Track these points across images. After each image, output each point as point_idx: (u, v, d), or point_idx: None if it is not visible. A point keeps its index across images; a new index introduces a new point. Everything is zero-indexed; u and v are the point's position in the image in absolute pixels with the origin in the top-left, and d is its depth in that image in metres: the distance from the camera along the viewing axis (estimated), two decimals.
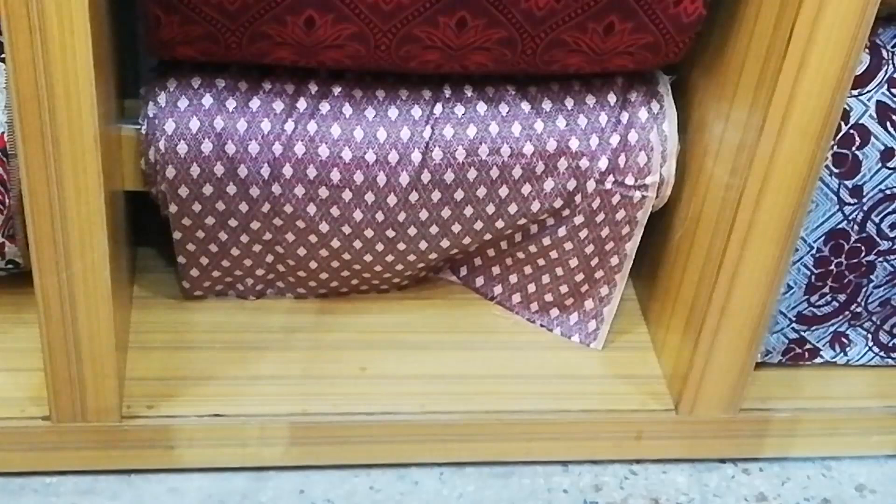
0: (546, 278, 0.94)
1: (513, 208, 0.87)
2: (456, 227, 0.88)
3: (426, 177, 0.84)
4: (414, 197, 0.85)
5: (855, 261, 0.87)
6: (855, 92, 0.80)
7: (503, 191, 0.86)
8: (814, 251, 0.86)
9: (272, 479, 0.87)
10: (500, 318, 0.97)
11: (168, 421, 0.84)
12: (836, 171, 0.82)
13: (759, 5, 0.75)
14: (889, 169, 0.82)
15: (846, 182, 0.83)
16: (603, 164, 0.85)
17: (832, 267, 0.87)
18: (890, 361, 0.95)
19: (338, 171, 0.83)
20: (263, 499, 0.86)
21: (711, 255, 0.83)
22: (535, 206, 0.87)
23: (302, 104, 0.83)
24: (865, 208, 0.84)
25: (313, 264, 0.90)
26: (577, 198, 0.87)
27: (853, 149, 0.81)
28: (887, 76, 0.80)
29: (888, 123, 0.81)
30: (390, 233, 0.87)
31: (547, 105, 0.85)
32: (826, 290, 0.88)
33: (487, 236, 0.90)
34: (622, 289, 0.93)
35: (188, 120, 0.81)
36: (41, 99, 0.67)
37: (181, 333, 0.91)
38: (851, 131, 0.81)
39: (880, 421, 0.93)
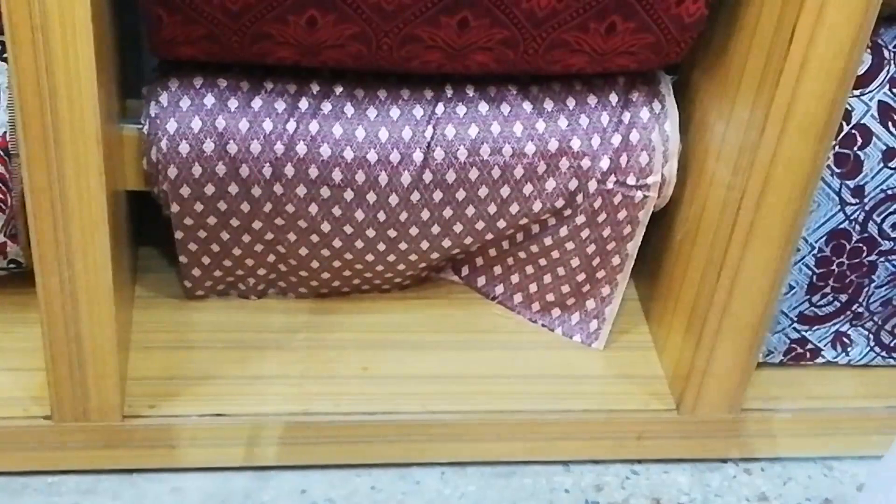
0: (548, 278, 0.94)
1: (514, 208, 0.87)
2: (458, 227, 0.88)
3: (428, 176, 0.84)
4: (416, 197, 0.85)
5: (856, 261, 0.87)
6: (857, 92, 0.80)
7: (505, 190, 0.86)
8: (815, 251, 0.86)
9: (273, 478, 0.87)
10: (501, 318, 0.97)
11: (170, 420, 0.84)
12: (837, 171, 0.82)
13: (760, 5, 0.75)
14: (891, 169, 0.82)
15: (848, 182, 0.83)
16: (605, 163, 0.86)
17: (834, 267, 0.87)
18: (891, 361, 0.95)
19: (339, 170, 0.83)
20: (265, 498, 0.86)
21: (713, 254, 0.83)
22: (537, 206, 0.87)
23: (304, 104, 0.83)
24: (867, 208, 0.84)
25: (315, 264, 0.91)
26: (579, 198, 0.87)
27: (855, 149, 0.81)
28: (889, 76, 0.80)
29: (890, 123, 0.81)
30: (392, 232, 0.87)
31: (549, 105, 0.85)
32: (828, 290, 0.89)
33: (489, 236, 0.90)
34: (624, 289, 0.93)
35: (190, 119, 0.81)
36: (43, 98, 0.67)
37: (183, 333, 0.91)
38: (853, 131, 0.81)
39: (882, 421, 0.93)
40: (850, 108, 0.80)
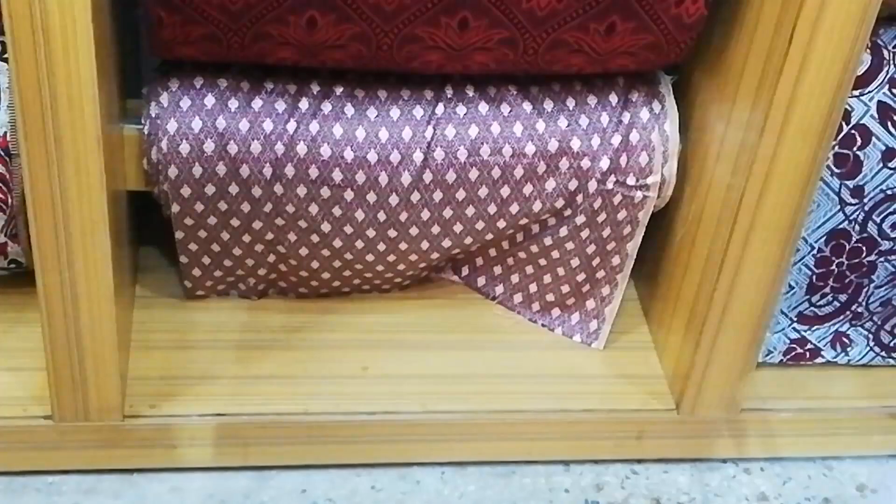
0: (547, 278, 0.94)
1: (514, 208, 0.88)
2: (458, 227, 0.88)
3: (428, 177, 0.84)
4: (416, 197, 0.85)
5: (856, 261, 0.87)
6: (856, 92, 0.80)
7: (505, 191, 0.86)
8: (815, 251, 0.86)
9: (274, 478, 0.87)
10: (501, 318, 0.97)
11: (170, 420, 0.84)
12: (837, 171, 0.82)
13: (760, 6, 0.75)
14: (890, 169, 0.82)
15: (847, 182, 0.83)
16: (604, 164, 0.86)
17: (833, 267, 0.87)
18: (891, 361, 0.95)
19: (340, 170, 0.83)
20: (265, 498, 0.86)
21: (713, 255, 0.83)
22: (537, 206, 0.87)
23: (304, 104, 0.83)
24: (867, 208, 0.84)
25: (315, 264, 0.91)
26: (579, 198, 0.87)
27: (854, 149, 0.81)
28: (888, 76, 0.80)
29: (889, 124, 0.81)
30: (392, 233, 0.88)
31: (548, 105, 0.85)
32: (827, 290, 0.89)
33: (489, 236, 0.90)
34: (624, 289, 0.93)
35: (190, 120, 0.81)
36: (44, 99, 0.67)
37: (183, 333, 0.91)
38: (853, 131, 0.81)
39: (881, 421, 0.94)
40: (849, 109, 0.80)
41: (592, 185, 0.86)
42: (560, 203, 0.87)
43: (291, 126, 0.82)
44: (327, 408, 0.86)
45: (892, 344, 0.94)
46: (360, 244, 0.88)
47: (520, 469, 0.91)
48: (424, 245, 0.89)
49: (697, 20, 0.79)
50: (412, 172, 0.84)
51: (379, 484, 0.88)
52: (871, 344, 0.93)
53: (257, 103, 0.82)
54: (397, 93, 0.84)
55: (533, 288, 0.95)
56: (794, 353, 0.93)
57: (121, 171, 0.82)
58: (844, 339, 0.93)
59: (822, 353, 0.93)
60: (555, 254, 0.92)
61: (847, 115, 0.80)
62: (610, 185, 0.86)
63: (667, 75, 0.88)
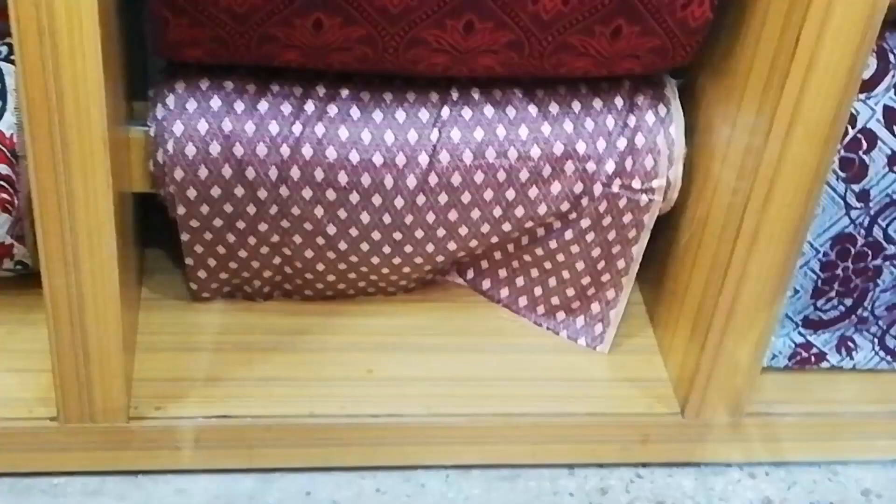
0: (552, 281, 0.94)
1: (519, 211, 0.88)
2: (463, 230, 0.88)
3: (433, 179, 0.84)
4: (421, 199, 0.85)
5: (861, 265, 0.87)
6: (862, 96, 0.80)
7: (510, 194, 0.86)
8: (820, 255, 0.86)
9: (279, 480, 0.87)
10: (506, 321, 0.97)
11: (175, 422, 0.84)
12: (842, 175, 0.82)
13: (766, 9, 0.75)
14: (895, 173, 0.82)
15: (853, 186, 0.83)
16: (610, 167, 0.86)
17: (839, 271, 0.87)
18: None
19: (345, 173, 0.83)
20: (270, 500, 0.86)
21: (718, 258, 0.83)
22: (542, 209, 0.87)
23: (310, 106, 0.83)
24: (872, 213, 0.84)
25: (320, 266, 0.91)
26: (584, 201, 0.87)
27: (860, 153, 0.81)
28: (894, 80, 0.80)
29: (895, 128, 0.81)
30: (397, 235, 0.88)
31: (554, 108, 0.85)
32: (832, 294, 0.88)
33: (494, 239, 0.90)
34: (628, 292, 0.93)
35: (196, 122, 0.81)
36: (50, 101, 0.68)
37: (189, 335, 0.91)
38: (858, 135, 0.81)
39: (886, 425, 0.93)
40: (855, 113, 0.80)
41: (598, 189, 0.86)
42: (565, 206, 0.87)
43: (297, 128, 0.82)
44: (332, 410, 0.86)
45: None
46: (365, 247, 0.88)
47: (524, 472, 0.91)
48: (429, 248, 0.89)
49: (703, 24, 0.79)
50: (417, 175, 0.84)
51: (384, 486, 0.88)
52: (877, 348, 0.93)
53: (263, 105, 0.82)
54: (403, 95, 0.84)
55: (538, 291, 0.95)
56: (799, 358, 0.93)
57: (127, 173, 0.82)
58: (850, 344, 0.93)
59: (828, 357, 0.93)
60: (560, 257, 0.92)
61: (853, 119, 0.80)
62: (615, 189, 0.86)
63: (672, 79, 0.88)
